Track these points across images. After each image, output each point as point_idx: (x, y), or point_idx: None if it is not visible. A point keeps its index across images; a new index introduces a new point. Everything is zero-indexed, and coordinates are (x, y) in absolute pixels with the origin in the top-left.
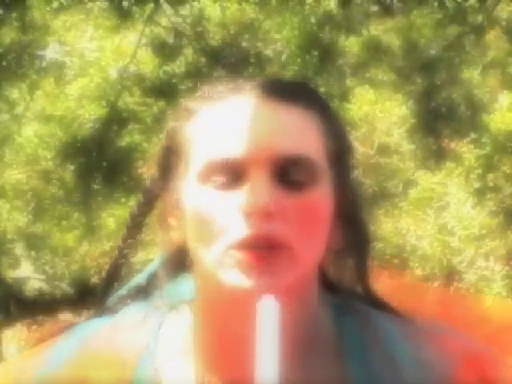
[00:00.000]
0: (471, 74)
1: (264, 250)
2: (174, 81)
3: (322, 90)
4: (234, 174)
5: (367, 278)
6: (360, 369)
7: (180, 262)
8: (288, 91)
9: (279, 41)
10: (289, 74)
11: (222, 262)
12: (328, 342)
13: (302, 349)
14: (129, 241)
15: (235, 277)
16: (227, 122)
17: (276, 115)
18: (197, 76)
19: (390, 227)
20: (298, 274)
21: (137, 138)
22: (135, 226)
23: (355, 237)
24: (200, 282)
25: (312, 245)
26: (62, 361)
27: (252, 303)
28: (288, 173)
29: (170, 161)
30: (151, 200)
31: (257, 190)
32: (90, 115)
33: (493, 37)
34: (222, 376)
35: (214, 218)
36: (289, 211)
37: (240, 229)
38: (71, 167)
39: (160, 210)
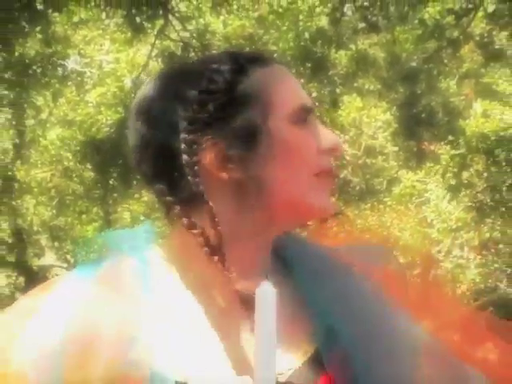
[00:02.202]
0: (448, 84)
1: (333, 178)
2: None
3: (314, 96)
4: (304, 119)
5: None
6: (306, 280)
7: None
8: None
9: (276, 53)
10: None
11: (312, 188)
12: (281, 271)
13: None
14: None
15: (322, 199)
16: (287, 79)
17: (297, 80)
18: None
19: (375, 220)
20: None
21: None
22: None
23: None
24: (232, 222)
25: None
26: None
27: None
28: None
29: (232, 110)
30: (191, 154)
31: (329, 131)
32: (107, 120)
33: (467, 50)
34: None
35: (308, 150)
36: (342, 148)
37: (326, 160)
38: (90, 166)
39: (211, 157)
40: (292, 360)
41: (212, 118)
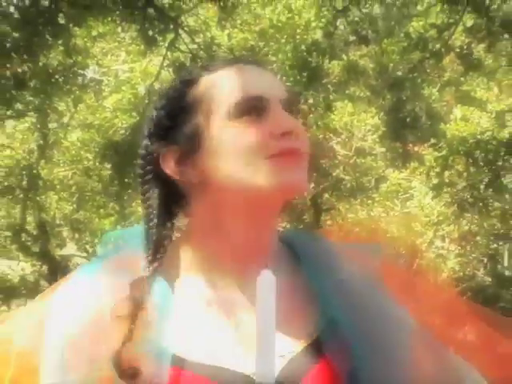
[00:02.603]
0: (431, 91)
1: (298, 159)
2: None
3: (310, 102)
4: (255, 110)
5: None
6: (314, 274)
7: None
8: (262, 62)
9: (275, 63)
10: None
11: (262, 170)
12: (291, 264)
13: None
14: (147, 194)
15: (281, 176)
16: (234, 76)
17: (264, 73)
18: None
19: (364, 214)
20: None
21: None
22: (145, 183)
23: None
24: (208, 214)
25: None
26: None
27: (278, 202)
28: (289, 108)
29: (178, 120)
30: (153, 161)
31: (284, 116)
32: (122, 124)
33: (448, 61)
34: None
35: (250, 140)
36: (300, 130)
37: (278, 144)
38: (108, 166)
39: (170, 161)
40: (293, 344)
41: (167, 130)
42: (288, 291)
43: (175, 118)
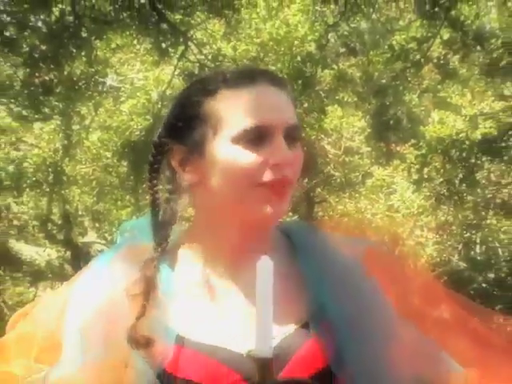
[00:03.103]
0: (411, 97)
1: (284, 188)
2: None
3: (304, 107)
4: (259, 137)
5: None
6: (308, 263)
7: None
8: (279, 80)
9: (274, 72)
10: None
11: (250, 196)
12: (287, 254)
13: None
14: (153, 182)
15: (264, 207)
16: (251, 102)
17: (279, 98)
18: None
19: (352, 206)
20: None
21: None
22: (153, 171)
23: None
24: (206, 213)
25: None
26: (105, 263)
27: (265, 226)
28: (291, 135)
29: (190, 125)
30: (162, 152)
31: (281, 148)
32: (137, 126)
33: (427, 70)
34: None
35: (246, 166)
36: (294, 161)
37: (270, 174)
38: (124, 163)
39: (176, 159)
40: (285, 327)
41: (179, 130)
42: (283, 278)
43: (188, 121)
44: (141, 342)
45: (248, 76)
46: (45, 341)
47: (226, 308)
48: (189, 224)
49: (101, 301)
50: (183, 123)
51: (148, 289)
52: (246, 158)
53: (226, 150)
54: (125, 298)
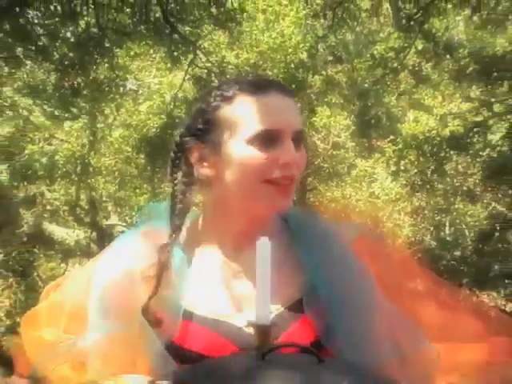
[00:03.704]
0: (390, 99)
1: (290, 185)
2: None
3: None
4: (270, 139)
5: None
6: (303, 247)
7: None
8: (288, 90)
9: (271, 76)
10: None
11: (258, 192)
12: (285, 238)
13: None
14: (174, 175)
15: (270, 201)
16: (263, 108)
17: (288, 105)
18: None
19: (339, 193)
20: None
21: None
22: (174, 166)
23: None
24: (218, 204)
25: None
26: (121, 253)
27: (268, 217)
28: (297, 138)
29: (209, 126)
30: (183, 150)
31: (290, 149)
32: (153, 124)
33: (403, 76)
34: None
35: (258, 164)
36: (300, 161)
37: (279, 171)
38: (142, 156)
39: (195, 155)
40: (279, 303)
41: (198, 130)
42: (280, 261)
43: (207, 122)
44: (152, 320)
45: (261, 85)
46: (72, 312)
47: (230, 286)
48: (199, 212)
49: (119, 277)
50: (203, 125)
51: (161, 271)
52: (259, 157)
53: (240, 149)
54: (140, 276)
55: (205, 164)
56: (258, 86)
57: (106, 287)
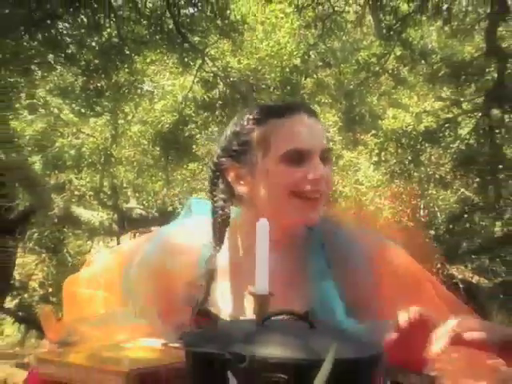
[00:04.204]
0: (372, 99)
1: (319, 199)
2: (212, 101)
3: None
4: (300, 157)
5: None
6: (317, 259)
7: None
8: (313, 111)
9: (269, 79)
10: (273, 97)
11: (289, 206)
12: (299, 244)
13: (283, 248)
14: (213, 193)
15: (299, 215)
16: (293, 129)
17: (315, 126)
18: (224, 98)
19: None
20: None
21: (194, 132)
22: (213, 184)
23: None
24: (251, 216)
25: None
26: (153, 249)
27: (296, 231)
28: (324, 156)
29: (244, 148)
30: (220, 170)
31: (319, 167)
32: (167, 120)
33: (384, 78)
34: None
35: (289, 180)
36: (327, 177)
37: (309, 186)
38: (157, 148)
39: (232, 175)
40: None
41: (234, 151)
42: (292, 272)
43: (242, 144)
44: (189, 322)
45: (290, 108)
46: (107, 284)
47: (240, 290)
48: (233, 224)
49: (155, 267)
50: (238, 147)
51: (210, 280)
52: (289, 173)
53: (272, 167)
54: (172, 270)
55: (241, 182)
56: (287, 108)
57: (140, 272)
